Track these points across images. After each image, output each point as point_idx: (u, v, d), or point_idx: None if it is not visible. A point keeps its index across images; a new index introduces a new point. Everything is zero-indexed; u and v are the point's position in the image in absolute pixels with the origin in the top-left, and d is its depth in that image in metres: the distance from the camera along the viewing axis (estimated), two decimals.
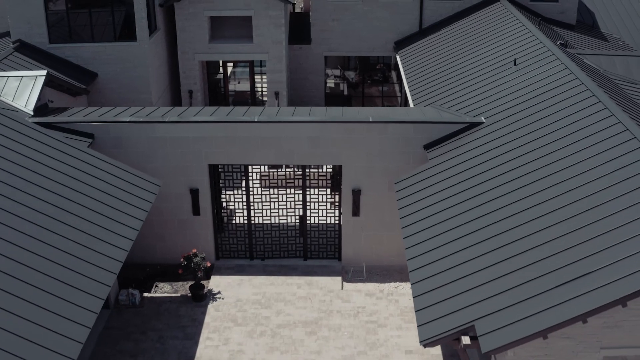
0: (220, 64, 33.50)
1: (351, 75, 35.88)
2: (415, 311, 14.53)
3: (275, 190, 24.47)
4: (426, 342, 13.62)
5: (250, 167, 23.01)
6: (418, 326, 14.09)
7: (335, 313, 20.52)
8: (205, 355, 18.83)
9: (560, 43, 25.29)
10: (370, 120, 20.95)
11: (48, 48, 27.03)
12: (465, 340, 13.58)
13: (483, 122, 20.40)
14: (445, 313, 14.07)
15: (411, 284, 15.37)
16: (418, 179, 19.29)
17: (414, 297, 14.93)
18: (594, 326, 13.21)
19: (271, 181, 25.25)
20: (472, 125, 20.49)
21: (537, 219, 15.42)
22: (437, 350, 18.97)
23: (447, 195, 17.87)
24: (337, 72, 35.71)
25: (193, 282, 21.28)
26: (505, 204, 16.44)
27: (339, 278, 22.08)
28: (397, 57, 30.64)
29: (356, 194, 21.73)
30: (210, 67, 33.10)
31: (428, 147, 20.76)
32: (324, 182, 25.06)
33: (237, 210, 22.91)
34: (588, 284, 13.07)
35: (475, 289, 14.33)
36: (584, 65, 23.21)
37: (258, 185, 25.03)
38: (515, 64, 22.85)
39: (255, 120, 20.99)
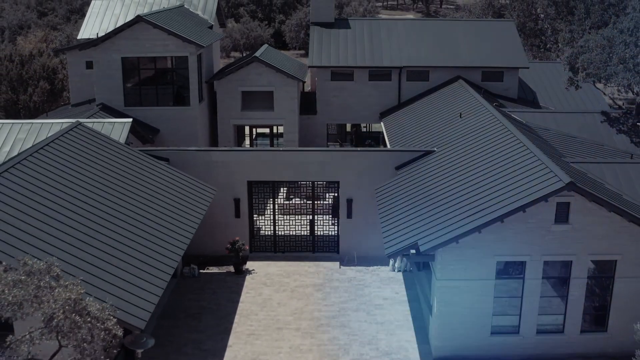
0: (247, 130, 43.45)
1: (347, 145, 45.65)
2: (384, 243, 23.61)
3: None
4: (389, 254, 22.69)
5: (274, 191, 32.20)
6: (385, 249, 23.17)
7: (335, 280, 29.44)
8: (246, 300, 27.69)
9: (495, 104, 35.17)
10: (359, 149, 30.53)
11: (124, 110, 36.92)
12: (412, 251, 22.65)
13: (435, 151, 29.94)
14: (401, 240, 23.20)
15: (382, 230, 24.52)
16: (390, 185, 28.69)
17: (383, 236, 24.03)
18: (488, 240, 22.36)
19: (289, 209, 34.38)
20: (427, 153, 30.05)
21: (460, 191, 24.76)
22: (403, 297, 27.81)
23: (407, 191, 27.24)
24: (337, 145, 45.52)
25: (235, 263, 30.18)
26: (443, 190, 25.80)
27: (337, 263, 31.06)
28: (381, 122, 40.55)
29: (349, 202, 31.00)
30: (239, 131, 42.97)
31: (398, 168, 30.20)
32: (328, 210, 34.33)
33: (265, 215, 32.13)
34: (480, 213, 22.32)
35: (418, 228, 23.51)
36: (510, 117, 32.93)
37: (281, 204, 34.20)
38: (460, 117, 32.61)
39: (281, 149, 30.58)
